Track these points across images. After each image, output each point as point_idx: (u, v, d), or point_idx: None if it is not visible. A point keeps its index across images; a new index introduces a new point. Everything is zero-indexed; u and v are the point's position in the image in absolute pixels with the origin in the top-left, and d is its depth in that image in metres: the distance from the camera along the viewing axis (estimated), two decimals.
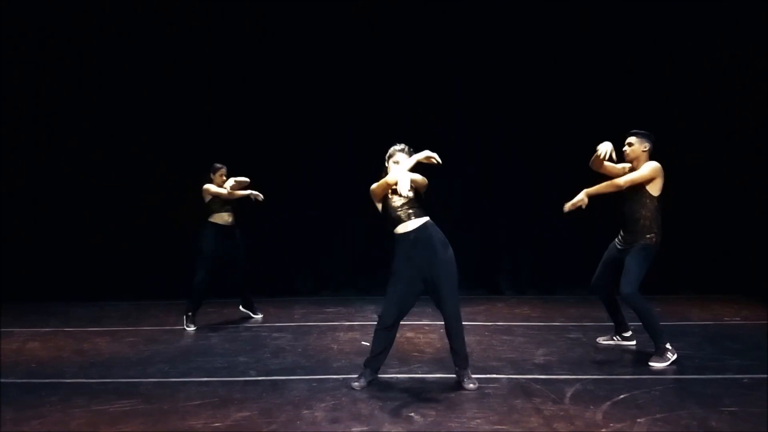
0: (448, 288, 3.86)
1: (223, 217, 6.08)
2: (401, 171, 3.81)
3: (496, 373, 4.23)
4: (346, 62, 7.72)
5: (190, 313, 5.99)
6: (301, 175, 7.85)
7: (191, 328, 5.93)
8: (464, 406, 3.58)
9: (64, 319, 6.56)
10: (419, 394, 3.82)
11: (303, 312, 6.96)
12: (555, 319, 6.35)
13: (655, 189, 4.44)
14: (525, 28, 7.72)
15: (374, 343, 3.98)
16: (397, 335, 5.52)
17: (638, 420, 3.28)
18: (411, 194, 3.84)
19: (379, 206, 4.01)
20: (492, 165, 7.92)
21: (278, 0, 7.64)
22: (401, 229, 3.89)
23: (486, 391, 3.84)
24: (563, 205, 7.68)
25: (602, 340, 5.13)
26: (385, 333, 3.95)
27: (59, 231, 7.78)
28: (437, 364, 4.50)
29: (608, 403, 3.57)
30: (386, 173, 3.96)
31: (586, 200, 4.51)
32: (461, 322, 3.96)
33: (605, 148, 4.38)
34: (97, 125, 7.75)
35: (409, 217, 3.87)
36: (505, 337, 5.49)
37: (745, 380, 4.00)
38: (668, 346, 4.40)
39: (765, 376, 4.04)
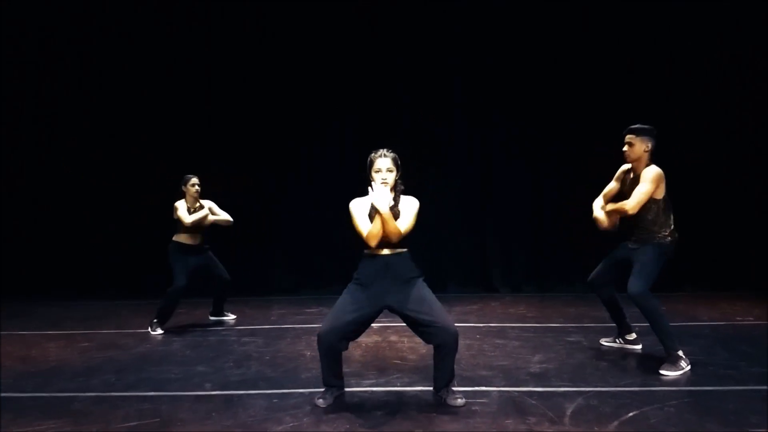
0: (435, 312, 3.27)
1: (189, 239, 5.58)
2: (382, 195, 3.24)
3: (486, 386, 3.70)
4: (346, 62, 7.60)
5: (156, 320, 5.54)
6: (301, 175, 7.68)
7: (157, 332, 5.46)
8: (447, 427, 3.05)
9: (25, 321, 6.14)
10: (395, 411, 3.28)
11: (281, 313, 6.48)
12: (553, 320, 5.84)
13: (658, 193, 4.03)
14: (525, 28, 7.57)
15: (321, 361, 3.41)
16: (379, 339, 5.13)
17: None
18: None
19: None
20: (492, 164, 7.73)
21: (278, 0, 7.57)
22: (373, 250, 3.34)
23: (473, 407, 3.30)
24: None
25: (605, 341, 4.75)
26: (327, 351, 3.33)
27: (59, 230, 7.79)
28: (419, 374, 3.96)
29: (615, 422, 3.04)
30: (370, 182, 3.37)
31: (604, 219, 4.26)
32: (456, 349, 3.32)
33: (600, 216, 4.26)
34: (97, 125, 7.72)
35: (387, 244, 3.32)
36: (498, 341, 4.97)
37: None
38: (681, 353, 3.95)
39: None
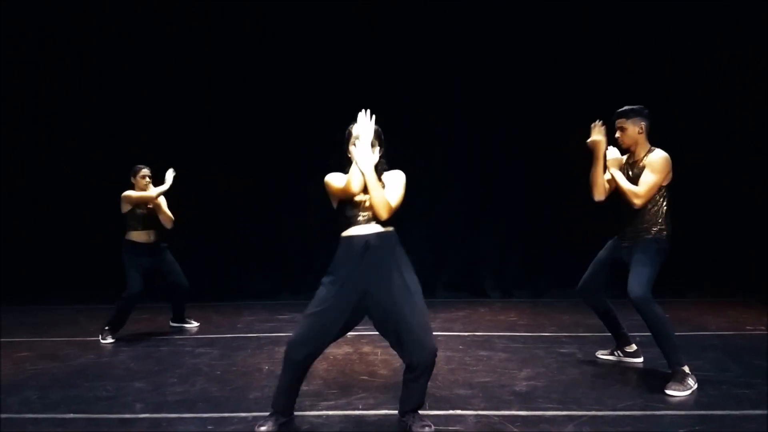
0: (418, 324, 2.72)
1: (142, 236, 5.11)
2: (366, 152, 2.76)
3: (462, 408, 3.16)
4: (345, 62, 7.40)
5: (107, 327, 5.04)
6: (301, 176, 7.35)
7: (107, 341, 4.96)
8: None
9: None
10: None
11: (250, 320, 5.96)
12: (545, 329, 5.32)
13: (664, 181, 3.64)
14: (525, 28, 7.34)
15: (281, 376, 2.90)
16: (350, 350, 4.60)
17: None
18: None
19: (334, 202, 2.95)
20: (489, 165, 7.53)
21: (278, 0, 7.40)
22: (352, 231, 2.83)
23: None
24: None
25: (602, 354, 4.26)
26: (294, 366, 2.86)
27: (58, 230, 7.70)
28: (387, 394, 3.42)
29: None
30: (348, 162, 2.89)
31: (602, 149, 3.76)
32: (431, 370, 2.80)
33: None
34: (97, 125, 7.62)
35: (368, 221, 2.81)
36: (482, 353, 4.44)
37: None
38: (687, 369, 3.46)
39: None
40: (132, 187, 5.15)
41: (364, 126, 2.79)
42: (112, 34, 7.51)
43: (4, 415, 3.17)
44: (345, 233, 2.85)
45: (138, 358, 4.43)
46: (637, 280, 3.49)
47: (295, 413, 3.04)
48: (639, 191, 3.57)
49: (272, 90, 7.50)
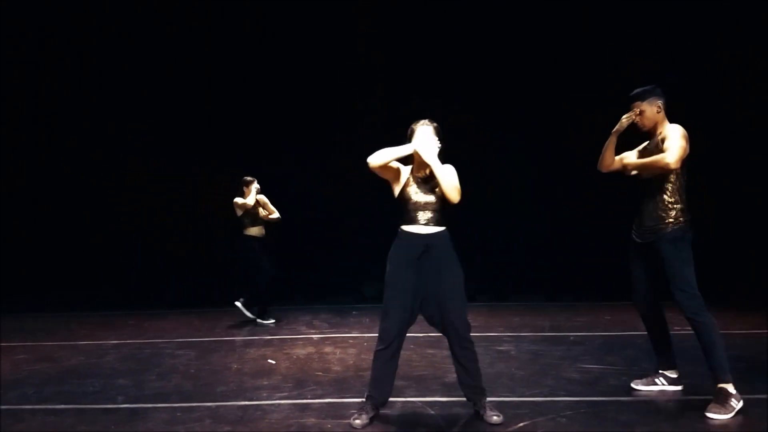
0: (460, 308, 3.23)
1: (255, 231, 6.39)
2: (429, 142, 3.17)
3: (394, 396, 3.71)
4: (345, 63, 7.80)
5: (262, 312, 6.38)
6: (301, 176, 7.75)
7: (269, 321, 6.36)
8: None
9: None
10: (294, 422, 3.30)
11: (229, 325, 6.49)
12: (492, 329, 5.89)
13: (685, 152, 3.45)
14: (524, 28, 7.68)
15: (373, 368, 3.31)
16: (313, 350, 5.16)
17: None
18: (434, 198, 3.23)
19: (396, 190, 3.29)
20: (485, 165, 7.80)
21: (278, 0, 7.72)
22: (412, 228, 3.25)
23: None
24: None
25: (639, 385, 3.77)
26: (385, 354, 3.25)
27: (58, 231, 7.93)
28: (335, 386, 4.00)
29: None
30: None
31: (624, 124, 3.55)
32: (474, 350, 3.30)
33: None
34: (97, 125, 7.83)
35: (427, 223, 3.23)
36: (429, 351, 5.00)
37: None
38: (731, 388, 3.26)
39: None
40: (242, 194, 6.27)
41: (426, 132, 3.23)
42: (112, 34, 7.73)
43: (4, 407, 3.71)
44: (403, 227, 3.27)
45: (123, 359, 4.98)
46: (680, 285, 3.32)
47: (250, 402, 3.61)
48: (667, 154, 3.34)
49: (272, 91, 7.82)
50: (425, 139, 3.21)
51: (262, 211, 6.42)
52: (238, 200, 6.27)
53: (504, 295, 7.86)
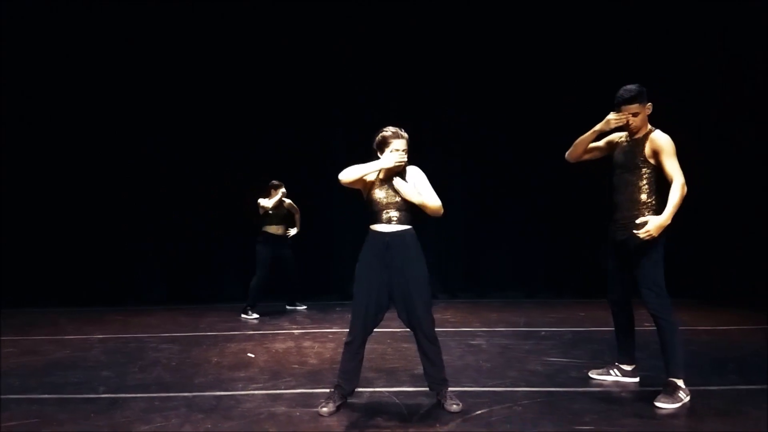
0: (423, 305, 3.39)
1: (274, 229, 6.89)
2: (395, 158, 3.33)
3: (366, 386, 3.91)
4: (345, 63, 7.88)
5: (248, 306, 6.71)
6: (301, 177, 7.76)
7: (253, 317, 6.65)
8: (303, 427, 3.25)
9: None
10: (265, 411, 3.48)
11: (213, 320, 6.65)
12: (468, 324, 6.09)
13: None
14: (524, 28, 7.76)
15: (342, 359, 3.52)
16: (292, 344, 5.34)
17: None
18: (397, 198, 3.38)
19: (364, 192, 3.49)
20: (439, 169, 7.84)
21: (279, 1, 7.79)
22: (377, 227, 3.42)
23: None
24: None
25: (595, 374, 4.01)
26: (353, 346, 3.45)
27: (58, 232, 7.91)
28: (308, 378, 4.18)
29: (459, 420, 3.26)
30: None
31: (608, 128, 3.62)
32: (439, 344, 3.48)
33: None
34: (98, 125, 7.88)
35: (389, 222, 3.39)
36: (404, 345, 5.16)
37: None
38: (681, 383, 3.46)
39: None
40: (267, 196, 6.80)
41: (400, 145, 3.35)
42: (112, 34, 7.73)
43: None
44: (371, 227, 3.43)
45: (109, 352, 5.15)
46: (648, 284, 3.47)
47: (225, 392, 3.79)
48: (678, 179, 3.41)
49: (272, 91, 7.88)
50: (397, 158, 3.33)
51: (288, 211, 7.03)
52: (261, 201, 6.76)
53: (485, 293, 8.04)
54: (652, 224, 3.34)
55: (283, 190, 6.81)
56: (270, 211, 6.82)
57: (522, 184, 7.91)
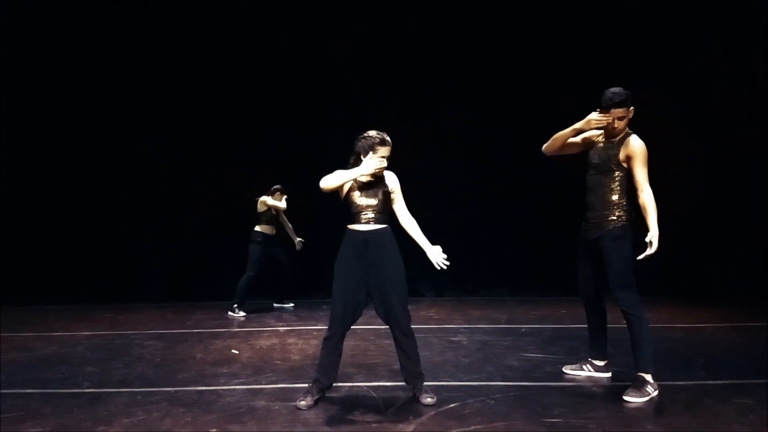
0: (400, 301, 3.50)
1: (267, 228, 7.01)
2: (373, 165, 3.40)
3: (345, 381, 4.00)
4: (345, 63, 7.93)
5: (236, 305, 6.78)
6: (301, 177, 7.68)
7: (239, 314, 6.74)
8: (279, 419, 3.34)
9: None
10: (244, 406, 3.57)
11: (200, 318, 6.73)
12: (451, 321, 6.19)
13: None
14: (524, 28, 7.82)
15: (320, 354, 3.61)
16: (276, 341, 5.42)
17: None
18: (375, 201, 3.49)
19: (342, 194, 3.55)
20: (426, 167, 7.88)
21: (279, 2, 7.84)
22: (355, 227, 3.53)
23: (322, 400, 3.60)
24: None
25: (569, 370, 4.15)
26: (331, 341, 3.54)
27: (59, 232, 7.95)
28: (290, 373, 4.27)
29: (432, 412, 3.36)
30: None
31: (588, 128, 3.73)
32: (414, 339, 3.60)
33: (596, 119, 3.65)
34: (98, 125, 7.91)
35: (368, 222, 3.50)
36: (386, 342, 5.19)
37: None
38: (650, 377, 3.59)
39: None
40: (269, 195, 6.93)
41: (384, 153, 3.45)
42: (112, 34, 7.78)
43: None
44: (348, 226, 3.55)
45: (94, 348, 5.22)
46: (616, 279, 3.58)
47: (207, 387, 3.87)
48: (647, 188, 3.53)
49: (271, 92, 7.95)
50: (377, 164, 3.40)
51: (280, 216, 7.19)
52: (267, 199, 6.89)
53: (470, 291, 8.13)
54: (654, 242, 3.42)
55: (286, 196, 7.05)
56: (272, 212, 7.00)
57: (522, 185, 7.98)
